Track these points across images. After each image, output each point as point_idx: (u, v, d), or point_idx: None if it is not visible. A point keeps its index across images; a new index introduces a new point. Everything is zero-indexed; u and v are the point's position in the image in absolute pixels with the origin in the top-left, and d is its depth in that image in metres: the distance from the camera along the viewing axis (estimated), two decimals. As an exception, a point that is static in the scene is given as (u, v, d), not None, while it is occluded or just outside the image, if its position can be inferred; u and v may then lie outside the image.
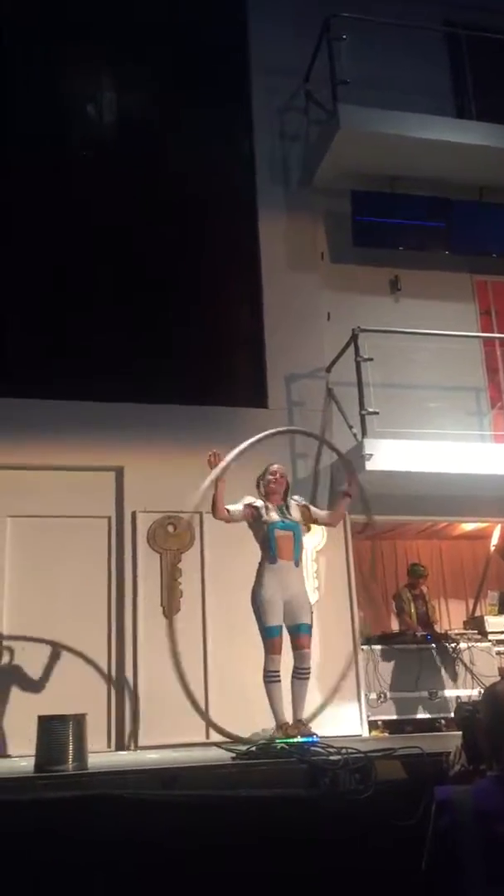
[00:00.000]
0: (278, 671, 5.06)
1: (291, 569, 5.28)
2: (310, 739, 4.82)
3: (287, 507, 5.42)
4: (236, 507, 5.32)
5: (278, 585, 5.19)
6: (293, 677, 5.15)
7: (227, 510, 5.28)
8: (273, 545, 5.25)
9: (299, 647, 5.14)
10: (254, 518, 5.35)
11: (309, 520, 5.52)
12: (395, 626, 8.57)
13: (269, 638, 5.09)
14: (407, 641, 7.39)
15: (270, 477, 5.45)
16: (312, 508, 5.58)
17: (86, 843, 3.22)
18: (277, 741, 4.77)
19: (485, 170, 8.11)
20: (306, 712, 5.18)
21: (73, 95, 8.24)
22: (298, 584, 5.32)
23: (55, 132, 7.91)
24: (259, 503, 5.36)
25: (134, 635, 6.53)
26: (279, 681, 5.06)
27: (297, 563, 5.34)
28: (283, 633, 5.14)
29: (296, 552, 5.32)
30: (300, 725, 5.00)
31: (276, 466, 5.54)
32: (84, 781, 3.67)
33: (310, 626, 5.21)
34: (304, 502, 5.56)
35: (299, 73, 8.36)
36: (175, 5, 8.41)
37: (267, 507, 5.34)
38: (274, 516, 5.32)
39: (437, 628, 8.09)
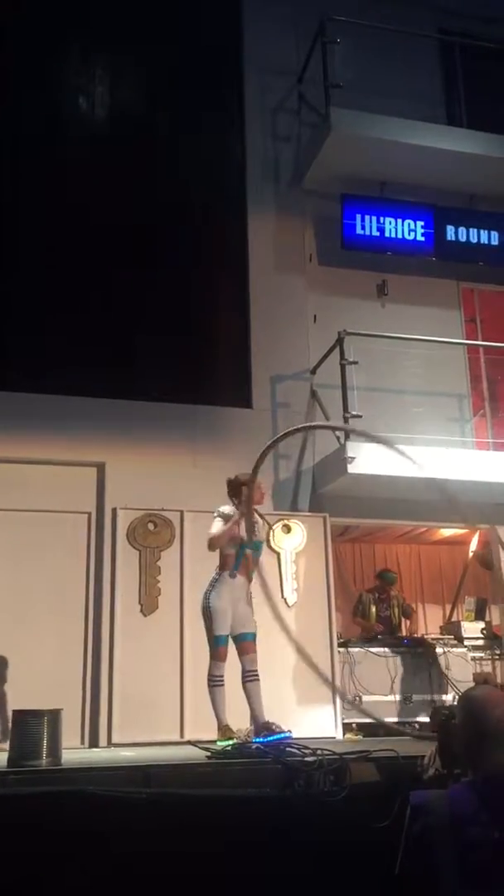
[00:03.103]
0: (222, 676, 5.17)
1: (244, 584, 5.37)
2: (284, 735, 4.87)
3: (256, 523, 5.45)
4: (221, 532, 5.31)
5: (230, 597, 5.27)
6: (245, 682, 5.20)
7: (223, 542, 5.32)
8: (238, 563, 5.30)
9: (246, 653, 5.24)
10: (230, 531, 5.33)
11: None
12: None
13: (218, 646, 5.20)
14: (385, 645, 7.41)
15: (258, 494, 5.47)
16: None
17: (58, 839, 3.21)
18: (218, 742, 4.85)
19: (474, 177, 8.16)
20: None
21: (65, 92, 8.19)
22: (245, 596, 5.38)
23: (47, 129, 7.87)
24: (236, 515, 5.33)
25: (111, 632, 6.51)
26: (223, 685, 5.16)
27: (250, 578, 5.42)
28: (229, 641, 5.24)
29: (251, 572, 5.40)
30: (270, 726, 5.04)
31: (260, 481, 5.55)
32: (57, 777, 3.65)
33: (254, 635, 5.31)
34: (268, 522, 5.61)
35: (293, 74, 8.39)
36: (170, 4, 8.38)
37: (259, 525, 5.39)
38: (255, 533, 5.34)
39: (405, 632, 8.11)
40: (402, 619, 8.22)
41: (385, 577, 8.41)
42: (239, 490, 5.47)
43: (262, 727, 5.05)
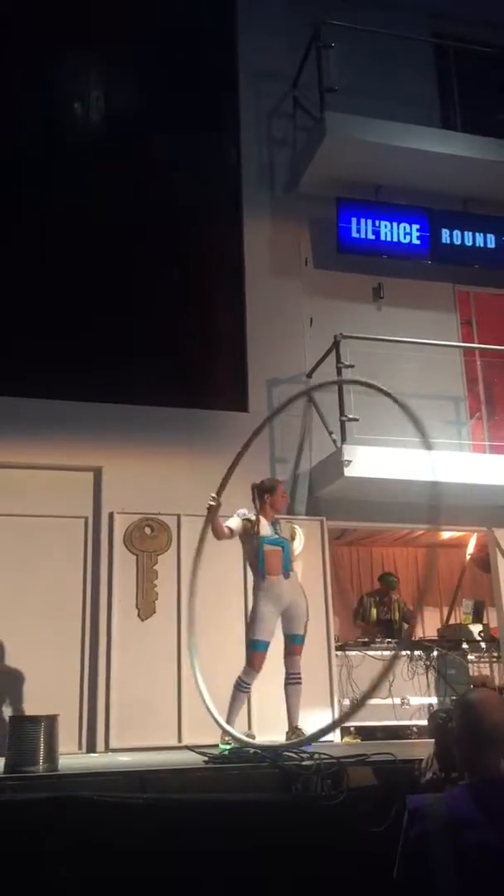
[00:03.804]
0: (251, 684, 5.17)
1: (282, 581, 5.32)
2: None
3: (278, 523, 5.47)
4: (235, 524, 5.35)
5: (273, 601, 5.24)
6: (287, 684, 5.23)
7: (229, 528, 5.32)
8: (262, 561, 5.29)
9: (292, 654, 5.25)
10: (246, 531, 5.36)
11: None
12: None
13: (254, 651, 5.15)
14: (382, 648, 7.40)
15: (282, 499, 5.58)
16: (296, 543, 5.61)
17: (55, 844, 3.20)
18: (220, 746, 4.90)
19: (469, 181, 8.17)
20: (284, 715, 5.22)
21: (60, 96, 8.19)
22: (292, 593, 5.33)
23: (40, 134, 7.87)
24: (253, 517, 5.37)
25: (108, 637, 6.49)
26: (248, 692, 5.18)
27: (287, 574, 5.37)
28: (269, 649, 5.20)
29: (285, 565, 5.36)
30: (297, 731, 5.07)
31: (283, 486, 5.67)
32: (54, 783, 3.64)
33: (303, 637, 5.30)
34: (294, 529, 5.62)
35: (288, 78, 8.40)
36: (164, 7, 8.39)
37: (259, 522, 5.37)
38: (265, 531, 5.34)
39: (404, 636, 8.11)
40: (403, 624, 8.22)
41: (386, 581, 8.44)
42: (262, 494, 5.50)
43: (290, 730, 5.08)
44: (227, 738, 4.98)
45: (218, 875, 3.29)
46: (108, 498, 6.83)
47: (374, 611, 8.08)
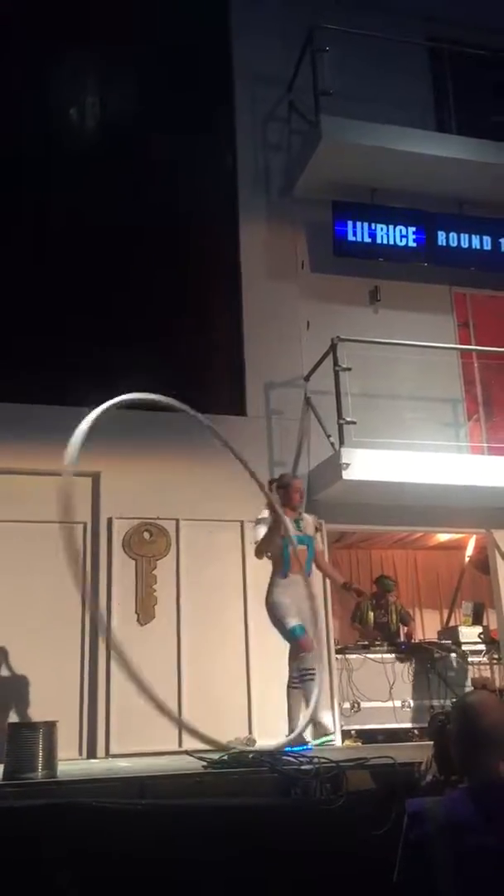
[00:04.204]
0: (314, 669, 5.12)
1: (301, 582, 5.34)
2: (304, 748, 4.90)
3: (301, 520, 5.46)
4: (261, 533, 5.36)
5: (291, 595, 5.26)
6: (303, 681, 5.18)
7: (266, 544, 5.35)
8: (287, 561, 5.29)
9: (299, 650, 5.24)
10: (271, 531, 5.35)
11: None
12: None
13: (296, 638, 5.17)
14: (382, 651, 7.40)
15: (295, 494, 5.57)
16: (320, 535, 5.60)
17: (54, 851, 3.19)
18: (317, 741, 5.02)
19: (464, 183, 8.18)
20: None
21: (56, 100, 8.22)
22: (306, 595, 5.33)
23: (37, 137, 7.88)
24: (275, 513, 5.36)
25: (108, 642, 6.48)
26: (314, 678, 5.09)
27: (309, 574, 5.39)
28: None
29: (308, 565, 5.39)
30: (319, 726, 5.13)
31: (298, 481, 5.67)
32: (53, 790, 3.63)
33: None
34: (319, 521, 5.65)
35: (283, 82, 8.41)
36: (160, 11, 8.40)
37: (283, 520, 5.37)
38: (289, 530, 5.34)
39: (404, 638, 8.10)
40: (400, 626, 8.22)
41: (383, 584, 8.43)
42: (277, 490, 5.52)
43: (314, 726, 5.13)
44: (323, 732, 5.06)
45: (217, 880, 3.27)
46: (106, 503, 6.83)
47: (371, 614, 8.07)
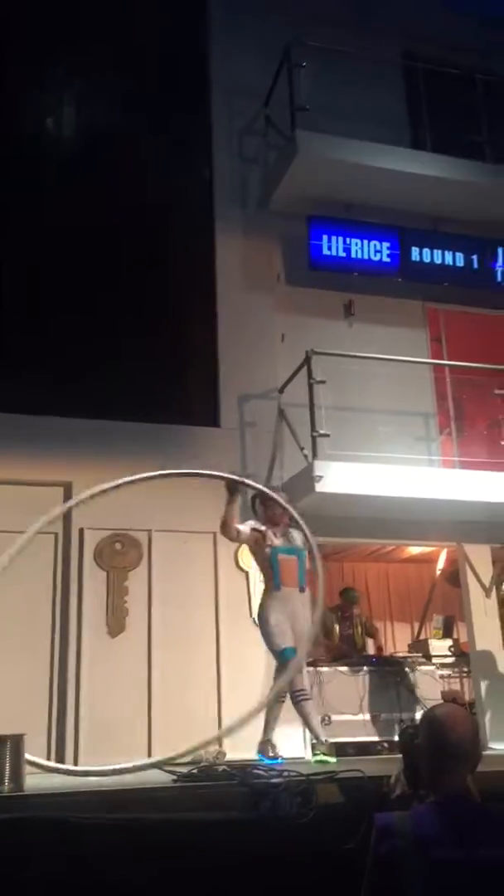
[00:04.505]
0: (307, 689, 5.12)
1: (296, 595, 5.29)
2: (275, 762, 4.93)
3: (289, 534, 5.46)
4: (244, 528, 5.33)
5: (285, 611, 5.20)
6: (295, 702, 5.15)
7: (237, 529, 5.28)
8: (276, 570, 5.25)
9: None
10: (256, 542, 5.34)
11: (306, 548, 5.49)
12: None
13: (285, 660, 5.07)
14: (352, 664, 7.41)
15: (279, 510, 5.47)
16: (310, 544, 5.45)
17: (19, 865, 3.15)
18: (320, 758, 4.92)
19: (438, 200, 8.28)
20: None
21: (33, 112, 8.19)
22: (304, 611, 5.26)
23: (13, 146, 7.84)
24: (263, 527, 5.36)
25: (77, 654, 6.43)
26: (309, 698, 5.11)
27: (303, 588, 5.34)
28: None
29: (300, 578, 5.33)
30: (325, 744, 5.07)
31: (283, 495, 5.61)
32: (19, 803, 3.58)
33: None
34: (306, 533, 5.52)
35: (260, 96, 8.45)
36: (137, 24, 8.43)
37: (267, 532, 5.35)
38: (277, 541, 5.32)
39: (371, 651, 8.11)
40: (366, 639, 8.22)
41: (347, 596, 8.40)
42: (260, 503, 5.53)
43: (318, 745, 5.07)
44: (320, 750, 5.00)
45: (187, 894, 3.25)
46: (78, 513, 6.76)
47: (336, 627, 8.06)
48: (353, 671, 7.25)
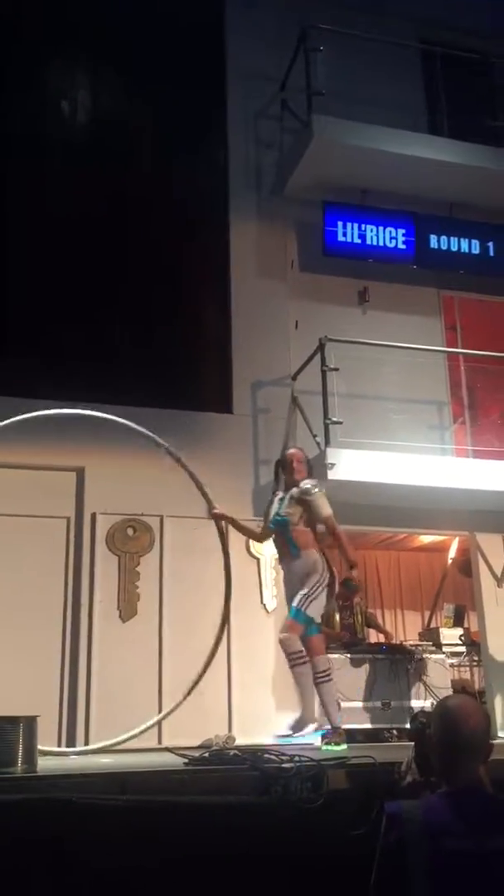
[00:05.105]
0: (328, 671, 5.20)
1: (288, 568, 5.40)
2: (286, 741, 5.00)
3: (285, 499, 5.47)
4: (262, 527, 5.54)
5: (286, 583, 5.37)
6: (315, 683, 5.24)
7: (259, 532, 5.56)
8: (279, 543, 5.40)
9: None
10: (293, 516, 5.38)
11: (306, 510, 5.40)
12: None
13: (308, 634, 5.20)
14: (362, 651, 7.42)
15: (293, 471, 5.49)
16: (310, 500, 5.34)
17: (33, 847, 3.18)
18: (329, 747, 4.94)
19: (455, 187, 8.20)
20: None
21: (46, 97, 8.14)
22: (294, 582, 5.34)
23: (28, 132, 7.83)
24: (274, 495, 5.43)
25: (89, 638, 6.48)
26: (330, 680, 5.17)
27: (294, 556, 5.37)
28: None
29: (291, 548, 5.38)
30: (340, 733, 5.12)
31: (290, 452, 5.64)
32: (32, 784, 3.62)
33: (296, 611, 5.26)
34: (304, 489, 5.37)
35: (276, 81, 8.39)
36: (153, 9, 8.37)
37: (276, 499, 5.39)
38: (273, 510, 5.36)
39: (374, 640, 8.11)
40: (366, 628, 8.22)
41: (348, 586, 8.38)
42: (279, 470, 5.59)
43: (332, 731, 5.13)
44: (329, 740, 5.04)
45: (197, 877, 3.28)
46: (90, 498, 6.81)
47: (336, 616, 8.06)
48: (362, 659, 7.26)
